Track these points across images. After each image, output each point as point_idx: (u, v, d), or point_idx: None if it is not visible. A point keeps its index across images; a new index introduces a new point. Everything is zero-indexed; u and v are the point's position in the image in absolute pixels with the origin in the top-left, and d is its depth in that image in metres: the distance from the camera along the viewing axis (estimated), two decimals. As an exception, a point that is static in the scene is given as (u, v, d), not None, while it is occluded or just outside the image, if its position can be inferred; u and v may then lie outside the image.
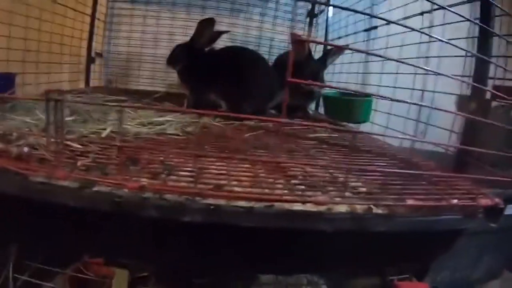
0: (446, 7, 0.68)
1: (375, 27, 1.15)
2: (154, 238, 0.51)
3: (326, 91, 1.23)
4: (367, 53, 1.19)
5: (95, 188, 0.43)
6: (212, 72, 1.04)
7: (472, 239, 0.77)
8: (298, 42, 1.15)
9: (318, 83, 1.06)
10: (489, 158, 0.72)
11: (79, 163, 0.50)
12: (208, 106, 1.04)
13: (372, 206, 0.45)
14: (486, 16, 0.77)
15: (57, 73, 1.33)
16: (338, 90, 1.25)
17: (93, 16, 1.47)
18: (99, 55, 1.56)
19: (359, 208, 0.45)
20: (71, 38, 1.39)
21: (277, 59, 1.35)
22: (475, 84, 0.73)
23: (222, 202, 0.43)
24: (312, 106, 1.44)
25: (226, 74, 1.02)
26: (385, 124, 1.03)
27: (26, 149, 0.54)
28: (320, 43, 1.13)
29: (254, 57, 1.09)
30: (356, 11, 0.53)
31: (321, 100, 1.35)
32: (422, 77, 0.95)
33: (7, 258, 0.67)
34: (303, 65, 1.16)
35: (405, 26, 0.53)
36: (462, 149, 0.84)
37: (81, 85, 1.49)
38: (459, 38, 0.83)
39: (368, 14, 1.25)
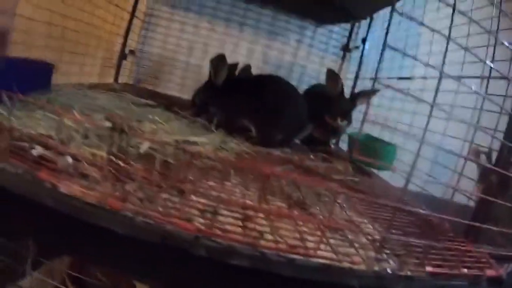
0: (477, 92, 0.68)
1: (409, 78, 1.14)
2: (189, 269, 0.50)
3: (351, 131, 1.22)
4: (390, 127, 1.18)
5: (144, 219, 0.42)
6: (244, 98, 1.03)
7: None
8: (333, 78, 1.15)
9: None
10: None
11: (126, 187, 0.48)
12: (238, 128, 1.02)
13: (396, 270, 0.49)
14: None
15: (89, 66, 1.32)
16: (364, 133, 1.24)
17: (132, 14, 1.46)
18: (132, 53, 1.54)
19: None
20: (109, 32, 1.37)
21: (308, 90, 1.34)
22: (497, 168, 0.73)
23: (268, 251, 0.44)
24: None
25: (259, 101, 1.01)
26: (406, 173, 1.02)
27: (70, 160, 0.52)
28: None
29: (288, 87, 1.08)
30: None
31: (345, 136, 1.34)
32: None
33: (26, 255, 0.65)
34: (334, 101, 1.15)
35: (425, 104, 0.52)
36: (476, 215, 0.86)
37: (110, 79, 1.48)
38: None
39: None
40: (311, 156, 1.07)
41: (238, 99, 1.04)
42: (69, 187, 0.44)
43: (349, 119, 1.16)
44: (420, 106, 1.12)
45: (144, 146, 0.67)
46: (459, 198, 0.87)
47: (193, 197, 0.51)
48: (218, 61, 1.04)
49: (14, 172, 0.46)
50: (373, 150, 1.02)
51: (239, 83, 1.09)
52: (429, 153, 1.04)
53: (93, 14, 1.26)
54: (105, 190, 0.44)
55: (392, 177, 1.07)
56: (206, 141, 0.82)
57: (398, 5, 1.25)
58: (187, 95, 1.52)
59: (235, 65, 1.14)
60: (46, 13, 1.04)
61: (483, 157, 1.65)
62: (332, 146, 1.31)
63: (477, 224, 0.72)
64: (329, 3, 1.45)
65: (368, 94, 1.17)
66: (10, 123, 0.55)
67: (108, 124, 0.75)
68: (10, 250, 0.76)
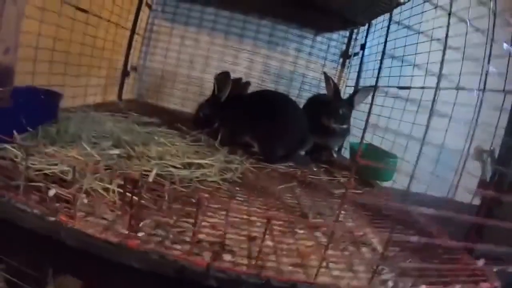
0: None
1: (409, 88, 1.18)
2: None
3: (352, 140, 1.25)
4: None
5: (160, 255, 0.47)
6: (246, 115, 1.08)
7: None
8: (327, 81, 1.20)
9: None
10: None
11: (141, 224, 0.52)
12: (241, 145, 1.07)
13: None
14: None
15: (93, 84, 1.37)
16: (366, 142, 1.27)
17: (133, 31, 1.50)
18: (134, 69, 1.59)
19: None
20: (111, 51, 1.42)
21: (310, 98, 1.38)
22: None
23: (272, 279, 0.49)
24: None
25: (260, 118, 1.05)
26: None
27: (85, 200, 0.57)
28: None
29: (287, 102, 1.13)
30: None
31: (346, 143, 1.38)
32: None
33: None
34: (329, 103, 1.19)
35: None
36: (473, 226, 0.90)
37: (114, 95, 1.52)
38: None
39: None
40: (314, 169, 1.11)
41: (240, 116, 1.08)
42: (88, 228, 0.48)
43: (342, 119, 1.18)
44: (419, 117, 1.16)
45: (152, 175, 0.72)
46: (462, 197, 0.92)
47: (203, 228, 0.56)
48: (222, 77, 1.09)
49: (35, 214, 0.50)
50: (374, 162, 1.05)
51: (241, 99, 1.13)
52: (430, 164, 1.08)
53: (95, 35, 1.30)
54: (121, 230, 0.49)
55: (394, 183, 1.11)
56: (211, 163, 0.86)
57: (395, 12, 1.29)
58: (189, 108, 1.57)
59: (238, 80, 1.19)
60: (50, 40, 1.08)
61: (485, 156, 1.68)
62: (335, 155, 1.34)
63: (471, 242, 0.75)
64: (328, 11, 1.49)
65: (364, 92, 1.20)
66: (25, 163, 0.59)
67: (116, 152, 0.80)
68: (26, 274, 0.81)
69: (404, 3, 1.26)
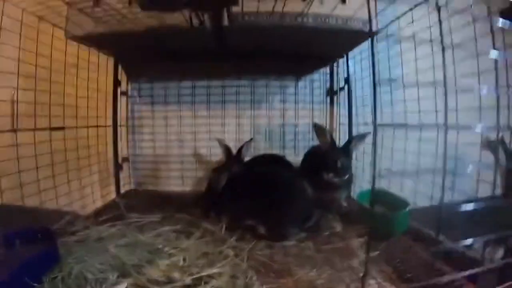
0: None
1: (406, 125, 1.21)
2: None
3: (360, 190, 1.27)
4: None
5: None
6: (247, 199, 1.12)
7: None
8: (320, 132, 1.23)
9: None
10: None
11: None
12: (245, 229, 1.10)
13: None
14: None
15: (88, 183, 1.44)
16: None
17: (114, 123, 1.55)
18: (126, 160, 1.64)
19: None
20: (96, 149, 1.48)
21: (306, 153, 1.40)
22: None
23: None
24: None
25: (261, 200, 1.09)
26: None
27: None
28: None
29: (291, 178, 1.18)
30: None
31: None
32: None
33: None
34: (325, 156, 1.21)
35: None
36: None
37: (112, 187, 1.58)
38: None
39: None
40: (325, 233, 1.12)
41: (241, 201, 1.13)
42: None
43: (342, 171, 1.21)
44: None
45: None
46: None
47: None
48: (216, 172, 1.14)
49: None
50: (385, 219, 1.07)
51: (239, 182, 1.17)
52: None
53: (76, 138, 1.37)
54: None
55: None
56: (220, 271, 0.89)
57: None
58: (188, 187, 1.62)
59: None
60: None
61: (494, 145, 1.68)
62: (345, 203, 1.35)
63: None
64: (306, 55, 1.52)
65: (359, 139, 1.24)
66: None
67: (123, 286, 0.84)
68: None
69: (377, 33, 1.29)
